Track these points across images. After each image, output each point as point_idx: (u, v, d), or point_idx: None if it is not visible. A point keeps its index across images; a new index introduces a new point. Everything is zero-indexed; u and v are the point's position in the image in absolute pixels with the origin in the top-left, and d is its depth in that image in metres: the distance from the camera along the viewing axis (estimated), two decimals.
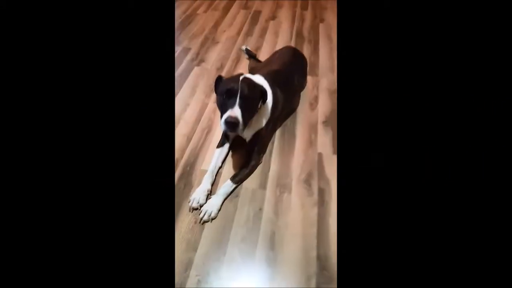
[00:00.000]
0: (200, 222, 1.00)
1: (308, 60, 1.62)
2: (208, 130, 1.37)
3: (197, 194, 1.05)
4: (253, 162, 1.14)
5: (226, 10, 2.46)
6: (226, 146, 1.23)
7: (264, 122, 1.14)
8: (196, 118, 1.43)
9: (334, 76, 1.65)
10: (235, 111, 0.94)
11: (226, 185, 1.07)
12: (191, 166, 1.21)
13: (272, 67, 1.32)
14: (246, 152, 1.19)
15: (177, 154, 1.25)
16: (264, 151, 1.22)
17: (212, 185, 1.12)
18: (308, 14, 2.33)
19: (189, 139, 1.33)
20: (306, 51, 1.85)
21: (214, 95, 1.57)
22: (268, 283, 0.85)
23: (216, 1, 2.62)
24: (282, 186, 1.12)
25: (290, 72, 1.31)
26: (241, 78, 1.00)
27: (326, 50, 1.88)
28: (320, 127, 1.35)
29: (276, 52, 1.52)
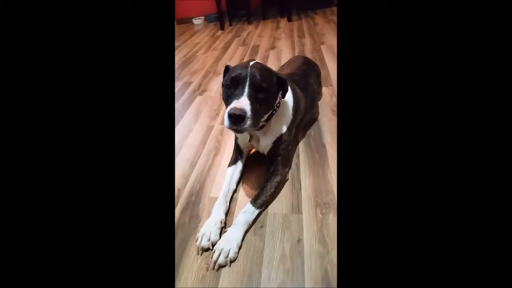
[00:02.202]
0: (214, 268, 0.68)
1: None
2: (216, 152, 1.13)
3: (207, 229, 0.75)
4: (278, 178, 0.86)
5: (225, 48, 2.48)
6: (240, 163, 0.97)
7: (285, 126, 0.90)
8: (201, 141, 1.21)
9: None
10: (242, 102, 0.70)
11: (246, 212, 0.78)
12: (197, 194, 0.93)
13: (285, 72, 1.14)
14: (266, 167, 0.92)
15: (178, 183, 0.99)
16: (289, 165, 0.95)
17: (227, 214, 0.83)
18: (306, 41, 2.31)
19: (193, 164, 1.08)
20: None
21: (220, 118, 1.38)
22: None
23: (215, 43, 2.67)
24: (324, 206, 0.81)
25: (305, 74, 1.13)
26: (251, 63, 0.80)
27: (334, 65, 1.76)
28: None
29: (286, 62, 1.38)
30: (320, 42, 2.21)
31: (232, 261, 0.69)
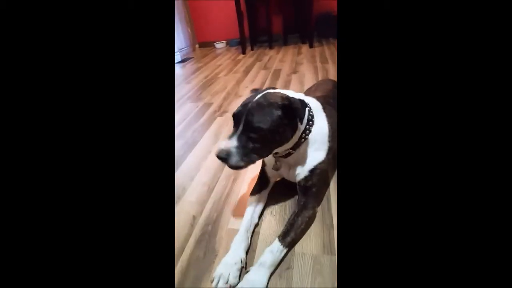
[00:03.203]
0: None
1: None
2: (235, 177, 1.04)
3: (225, 268, 0.65)
4: (309, 213, 0.75)
5: (247, 72, 2.49)
6: (265, 193, 0.87)
7: (321, 154, 0.80)
8: (220, 164, 1.13)
9: None
10: (228, 143, 0.68)
11: (273, 251, 0.66)
12: (213, 224, 0.83)
13: (316, 94, 1.07)
14: (294, 197, 0.82)
15: (194, 209, 0.90)
16: (321, 198, 0.84)
17: (247, 252, 0.72)
18: (330, 66, 2.28)
19: (210, 189, 0.99)
20: None
21: None
22: None
23: (237, 66, 2.70)
24: None
25: (336, 97, 1.06)
26: (256, 97, 0.72)
27: None
28: None
29: (313, 85, 1.32)
30: None
31: None
